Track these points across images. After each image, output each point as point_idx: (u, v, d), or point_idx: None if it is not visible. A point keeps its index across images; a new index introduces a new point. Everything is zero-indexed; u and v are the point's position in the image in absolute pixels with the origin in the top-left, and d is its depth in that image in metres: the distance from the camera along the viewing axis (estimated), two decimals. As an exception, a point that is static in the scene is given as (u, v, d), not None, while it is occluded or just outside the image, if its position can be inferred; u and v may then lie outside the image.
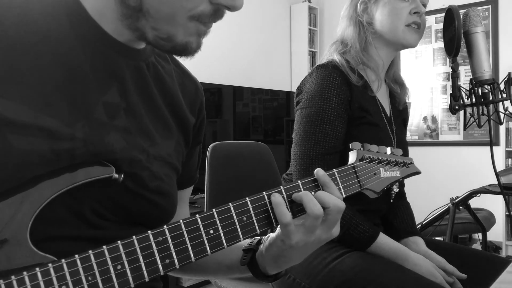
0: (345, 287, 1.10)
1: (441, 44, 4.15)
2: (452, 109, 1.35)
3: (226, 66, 4.06)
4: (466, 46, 1.33)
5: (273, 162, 1.71)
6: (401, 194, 1.45)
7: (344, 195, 0.74)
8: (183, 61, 0.85)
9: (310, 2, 4.83)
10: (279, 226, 0.68)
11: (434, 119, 4.36)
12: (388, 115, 1.37)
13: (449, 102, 1.37)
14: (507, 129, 3.78)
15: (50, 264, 0.52)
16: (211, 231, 0.62)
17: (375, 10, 1.31)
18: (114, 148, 0.63)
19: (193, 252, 0.60)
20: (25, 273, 0.50)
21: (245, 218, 0.64)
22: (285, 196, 0.68)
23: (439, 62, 4.33)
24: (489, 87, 1.34)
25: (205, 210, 0.65)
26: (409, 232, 1.34)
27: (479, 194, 2.11)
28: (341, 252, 1.17)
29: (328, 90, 1.22)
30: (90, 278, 0.53)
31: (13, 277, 0.50)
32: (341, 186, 0.74)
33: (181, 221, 0.60)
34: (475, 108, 1.37)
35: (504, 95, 1.35)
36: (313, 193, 0.68)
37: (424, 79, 4.38)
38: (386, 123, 1.33)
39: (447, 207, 2.15)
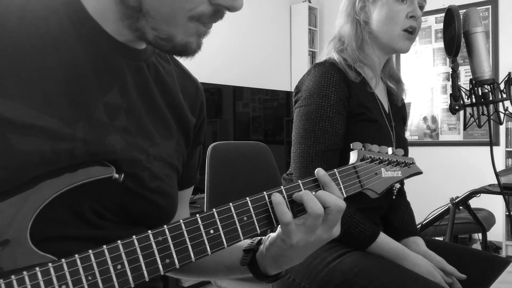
0: (345, 287, 1.10)
1: (441, 44, 4.15)
2: (452, 109, 1.35)
3: (226, 66, 4.06)
4: (466, 46, 1.33)
5: (273, 162, 1.71)
6: (401, 192, 1.45)
7: (345, 195, 0.74)
8: (183, 61, 0.85)
9: (310, 2, 4.83)
10: (279, 226, 0.68)
11: (434, 119, 4.36)
12: (387, 111, 1.37)
13: (449, 102, 1.37)
14: (507, 129, 3.78)
15: (50, 264, 0.52)
16: (211, 231, 0.62)
17: (373, 10, 1.31)
18: (115, 148, 0.63)
19: (193, 252, 0.60)
20: (25, 272, 0.50)
21: (245, 218, 0.64)
22: (285, 196, 0.68)
23: (439, 62, 4.33)
24: (489, 87, 1.34)
25: (205, 210, 0.65)
26: (409, 232, 1.34)
27: (479, 194, 2.11)
28: (341, 252, 1.17)
29: (326, 87, 1.22)
30: (90, 278, 0.53)
31: (13, 276, 0.50)
32: (341, 186, 0.74)
33: (181, 221, 0.60)
34: (475, 108, 1.37)
35: (504, 95, 1.35)
36: (313, 192, 0.68)
37: (424, 79, 4.38)
38: (385, 120, 1.33)
39: (447, 207, 2.15)
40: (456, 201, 2.12)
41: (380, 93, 1.38)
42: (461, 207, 2.15)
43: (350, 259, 1.14)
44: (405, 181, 1.42)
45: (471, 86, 1.36)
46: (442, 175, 4.13)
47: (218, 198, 1.49)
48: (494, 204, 3.36)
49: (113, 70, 0.66)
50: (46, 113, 0.58)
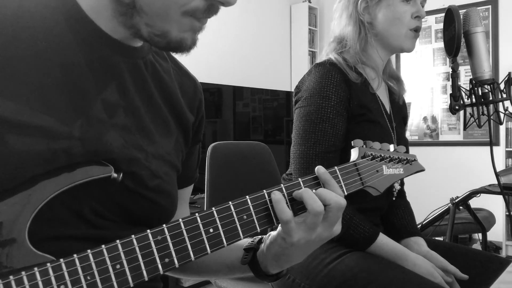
0: (344, 287, 1.09)
1: (441, 44, 4.15)
2: (452, 109, 1.35)
3: (226, 66, 4.06)
4: (466, 46, 1.33)
5: (273, 162, 1.71)
6: (401, 193, 1.45)
7: (346, 193, 0.73)
8: (181, 58, 0.84)
9: (310, 2, 4.83)
10: (280, 224, 0.67)
11: (434, 119, 4.36)
12: (388, 112, 1.37)
13: (449, 102, 1.36)
14: (507, 129, 3.78)
15: (48, 264, 0.52)
16: (211, 230, 0.61)
17: (378, 11, 1.30)
18: (113, 147, 0.63)
19: (193, 251, 0.60)
20: (23, 273, 0.50)
21: (245, 217, 0.64)
22: (285, 194, 0.67)
23: (439, 62, 4.33)
24: (489, 87, 1.33)
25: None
26: (410, 232, 1.34)
27: (479, 194, 2.11)
28: (340, 252, 1.17)
29: (327, 88, 1.22)
30: (89, 278, 0.53)
31: (11, 277, 0.49)
32: (342, 183, 0.74)
33: (180, 220, 0.60)
34: (475, 108, 1.37)
35: (504, 95, 1.34)
36: (314, 190, 0.67)
37: (424, 79, 4.38)
38: (387, 120, 1.33)
39: (447, 207, 2.15)
40: (456, 201, 2.12)
41: (382, 93, 1.37)
42: (461, 207, 2.15)
43: (350, 260, 1.14)
44: (405, 181, 1.43)
45: (471, 86, 1.36)
46: (442, 175, 4.13)
47: (218, 198, 1.49)
48: (494, 204, 3.36)
49: (110, 67, 0.66)
50: (42, 112, 0.58)
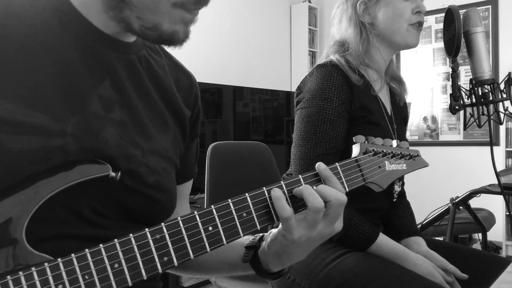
0: (345, 287, 1.09)
1: (441, 44, 4.15)
2: (452, 109, 1.35)
3: (226, 66, 4.06)
4: (466, 46, 1.33)
5: (273, 162, 1.71)
6: (402, 193, 1.44)
7: (347, 189, 0.73)
8: (182, 60, 0.84)
9: (310, 2, 4.83)
10: (280, 221, 0.67)
11: (434, 119, 4.36)
12: (389, 113, 1.36)
13: (449, 102, 1.36)
14: (507, 129, 3.78)
15: (46, 264, 0.51)
16: (210, 228, 0.61)
17: (377, 11, 1.30)
18: (109, 144, 0.62)
19: (192, 249, 0.59)
20: (21, 272, 0.50)
21: (244, 214, 0.63)
22: (285, 191, 0.67)
23: (439, 62, 4.33)
24: (489, 87, 1.33)
25: (204, 209, 0.64)
26: (410, 232, 1.34)
27: (479, 194, 2.11)
28: (341, 252, 1.17)
29: (329, 89, 1.22)
30: (87, 277, 0.53)
31: (8, 277, 0.49)
32: (343, 180, 0.73)
33: (179, 218, 0.59)
34: (475, 108, 1.37)
35: (504, 95, 1.34)
36: (314, 187, 0.67)
37: (424, 79, 4.38)
38: (387, 122, 1.33)
39: (447, 207, 2.15)
40: (456, 201, 2.12)
41: (383, 94, 1.37)
42: (461, 207, 2.15)
43: (350, 259, 1.14)
44: (405, 181, 1.43)
45: (471, 86, 1.35)
46: (442, 175, 4.13)
47: (218, 198, 1.48)
48: (494, 204, 3.35)
49: (103, 63, 0.65)
50: (36, 110, 0.58)
